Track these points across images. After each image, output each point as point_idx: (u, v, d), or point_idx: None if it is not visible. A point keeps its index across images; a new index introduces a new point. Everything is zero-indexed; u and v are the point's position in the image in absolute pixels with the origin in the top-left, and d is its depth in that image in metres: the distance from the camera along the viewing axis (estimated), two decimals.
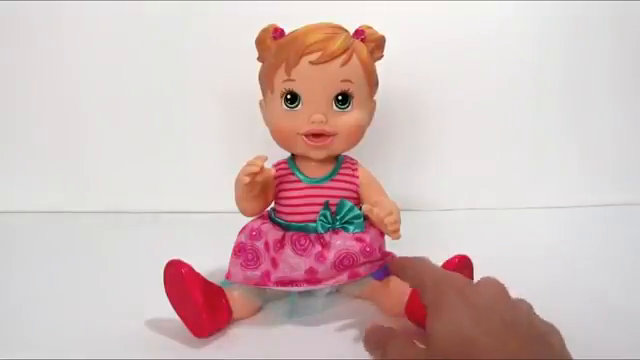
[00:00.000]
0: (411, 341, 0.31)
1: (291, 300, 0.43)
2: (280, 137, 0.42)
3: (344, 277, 0.40)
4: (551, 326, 0.29)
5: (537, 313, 0.30)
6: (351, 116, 0.41)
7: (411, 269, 0.35)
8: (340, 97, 0.40)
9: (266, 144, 0.43)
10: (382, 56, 0.43)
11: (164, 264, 0.38)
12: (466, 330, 0.27)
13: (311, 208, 0.41)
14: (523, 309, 0.29)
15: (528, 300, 0.30)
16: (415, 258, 0.36)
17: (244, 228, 0.42)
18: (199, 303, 0.37)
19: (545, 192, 0.77)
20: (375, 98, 0.45)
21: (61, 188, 0.75)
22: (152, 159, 0.76)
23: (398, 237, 0.38)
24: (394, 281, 0.43)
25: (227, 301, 0.40)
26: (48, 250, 0.60)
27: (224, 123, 0.75)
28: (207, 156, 0.76)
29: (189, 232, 0.67)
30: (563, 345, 0.28)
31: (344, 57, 0.39)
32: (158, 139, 0.75)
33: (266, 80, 0.41)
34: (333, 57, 0.38)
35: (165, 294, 0.38)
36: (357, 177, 0.43)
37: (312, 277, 0.39)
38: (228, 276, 0.41)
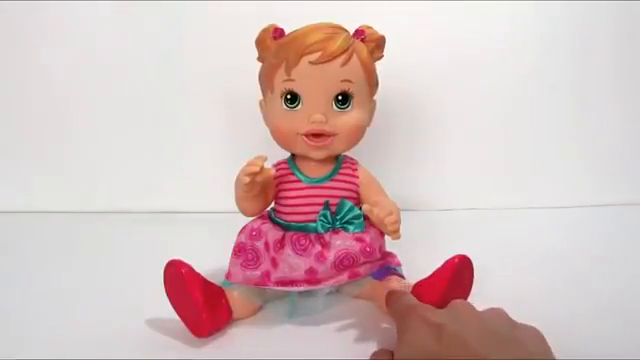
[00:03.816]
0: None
1: (291, 300, 0.43)
2: (280, 137, 0.42)
3: (344, 277, 0.40)
4: (529, 328, 0.29)
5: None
6: (351, 116, 0.41)
7: (393, 304, 0.37)
8: (340, 97, 0.40)
9: (266, 144, 0.43)
10: (382, 56, 0.43)
11: (164, 264, 0.38)
12: (427, 346, 0.28)
13: (311, 208, 0.41)
14: (492, 317, 0.30)
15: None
16: (398, 293, 0.39)
17: (244, 228, 0.42)
18: (199, 303, 0.37)
19: (546, 192, 0.77)
20: (375, 98, 0.45)
21: (61, 188, 0.75)
22: (152, 159, 0.76)
23: (398, 237, 0.38)
24: (394, 281, 0.43)
25: (227, 301, 0.40)
26: (48, 250, 0.60)
27: (224, 123, 0.75)
28: (207, 156, 0.76)
29: (189, 232, 0.67)
30: (540, 345, 0.28)
31: (344, 57, 0.38)
32: (158, 139, 0.76)
33: (266, 80, 0.41)
34: (333, 57, 0.38)
35: (165, 294, 0.38)
36: (357, 177, 0.43)
37: (312, 277, 0.39)
38: (228, 276, 0.41)
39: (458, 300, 0.33)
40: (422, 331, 0.29)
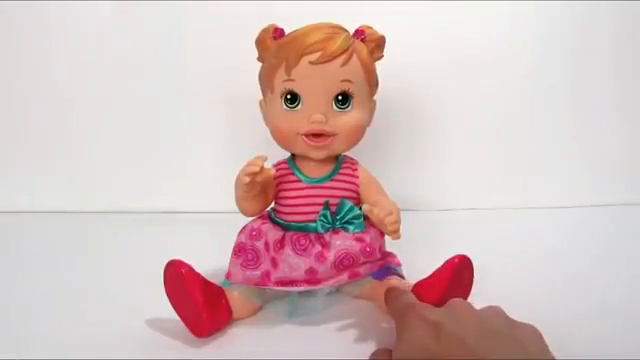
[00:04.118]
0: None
1: (291, 300, 0.43)
2: (280, 137, 0.42)
3: (344, 277, 0.40)
4: (527, 326, 0.29)
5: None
6: (351, 116, 0.41)
7: (392, 302, 0.37)
8: (340, 97, 0.40)
9: (266, 144, 0.43)
10: (382, 56, 0.43)
11: (164, 264, 0.38)
12: (425, 345, 0.28)
13: (311, 208, 0.41)
14: (490, 315, 0.30)
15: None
16: (398, 290, 0.39)
17: (244, 228, 0.42)
18: (199, 303, 0.37)
19: (546, 192, 0.77)
20: (375, 98, 0.45)
21: (61, 188, 0.75)
22: (152, 159, 0.76)
23: (398, 237, 0.38)
24: (394, 281, 0.43)
25: (227, 301, 0.40)
26: (48, 250, 0.60)
27: (224, 123, 0.75)
28: (207, 156, 0.76)
29: (189, 232, 0.67)
30: (538, 344, 0.28)
31: (344, 57, 0.38)
32: (158, 139, 0.75)
33: (266, 80, 0.41)
34: (333, 57, 0.38)
35: (165, 294, 0.38)
36: (357, 177, 0.43)
37: (312, 277, 0.39)
38: (228, 276, 0.41)
39: (456, 299, 0.33)
40: (420, 330, 0.29)
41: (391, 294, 0.39)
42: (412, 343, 0.29)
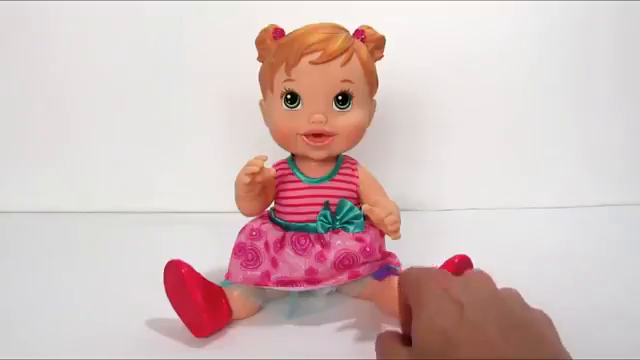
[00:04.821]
0: (397, 342, 0.30)
1: (291, 300, 0.43)
2: (280, 137, 0.42)
3: (344, 277, 0.40)
4: (539, 312, 0.29)
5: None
6: (351, 116, 0.41)
7: (404, 277, 0.33)
8: (340, 97, 0.40)
9: (266, 144, 0.43)
10: (382, 56, 0.43)
11: (164, 264, 0.38)
12: (447, 324, 0.26)
13: (311, 208, 0.41)
14: (510, 299, 0.29)
15: (528, 299, 0.30)
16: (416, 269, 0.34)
17: (244, 228, 0.42)
18: (199, 303, 0.37)
19: (546, 192, 0.77)
20: (375, 98, 0.45)
21: (61, 188, 0.75)
22: (152, 159, 0.76)
23: (398, 237, 0.38)
24: (394, 281, 0.43)
25: (227, 301, 0.40)
26: (48, 250, 0.60)
27: (224, 123, 0.75)
28: (207, 156, 0.76)
29: (189, 232, 0.67)
30: (553, 332, 0.27)
31: (344, 57, 0.39)
32: (158, 139, 0.76)
33: (266, 80, 0.41)
34: (333, 57, 0.38)
35: (165, 294, 0.38)
36: (357, 177, 0.43)
37: (312, 277, 0.39)
38: (228, 276, 0.41)
39: (475, 272, 0.31)
40: (442, 306, 0.27)
41: (405, 275, 0.34)
42: (433, 325, 0.27)
